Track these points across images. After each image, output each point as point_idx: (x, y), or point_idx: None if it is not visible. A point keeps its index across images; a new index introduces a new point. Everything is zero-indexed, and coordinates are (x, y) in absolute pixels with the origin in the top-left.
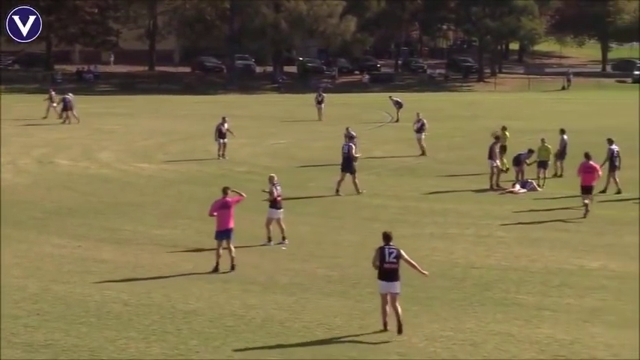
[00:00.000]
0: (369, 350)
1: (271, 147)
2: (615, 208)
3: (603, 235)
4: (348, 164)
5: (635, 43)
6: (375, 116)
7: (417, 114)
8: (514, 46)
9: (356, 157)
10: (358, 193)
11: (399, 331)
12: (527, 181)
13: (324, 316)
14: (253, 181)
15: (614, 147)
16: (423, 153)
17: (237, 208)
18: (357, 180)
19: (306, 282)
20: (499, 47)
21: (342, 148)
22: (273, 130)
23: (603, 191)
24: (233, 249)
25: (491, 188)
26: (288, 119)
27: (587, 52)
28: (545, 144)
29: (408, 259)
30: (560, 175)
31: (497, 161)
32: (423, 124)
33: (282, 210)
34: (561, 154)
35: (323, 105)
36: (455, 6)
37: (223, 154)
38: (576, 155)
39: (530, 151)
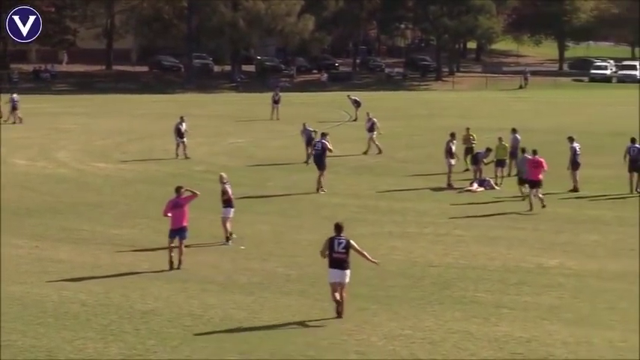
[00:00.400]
0: (327, 349)
1: (229, 146)
2: (572, 206)
3: (561, 233)
4: (319, 161)
5: (592, 42)
6: (333, 115)
7: (367, 113)
8: (472, 44)
9: (330, 150)
10: (318, 191)
11: (339, 314)
12: (485, 180)
13: (283, 315)
14: (211, 181)
15: (576, 145)
16: (379, 151)
17: (196, 208)
18: (322, 178)
19: (264, 281)
20: (457, 46)
21: (315, 145)
22: (231, 129)
23: (572, 190)
24: (184, 249)
25: (449, 187)
26: (246, 118)
27: (544, 51)
28: (503, 142)
29: (358, 248)
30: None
31: (453, 160)
32: (373, 124)
33: (233, 209)
34: (514, 153)
35: (279, 105)
36: (413, 5)
37: (184, 154)
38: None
39: (489, 150)
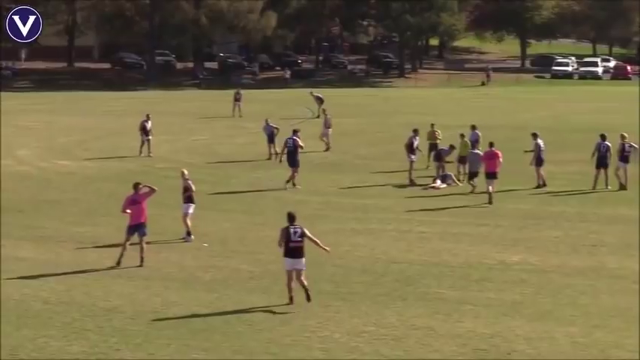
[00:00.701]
0: (291, 346)
1: (192, 143)
2: (534, 202)
3: (523, 229)
4: (292, 158)
5: (553, 39)
6: (296, 112)
7: (324, 110)
8: (434, 41)
9: (302, 147)
10: (287, 185)
11: (308, 299)
12: (447, 175)
13: (246, 313)
14: (174, 178)
15: (540, 141)
16: (327, 149)
17: (159, 205)
18: (296, 173)
19: (228, 278)
20: (419, 43)
21: (287, 142)
22: (193, 126)
23: (538, 187)
24: (145, 245)
25: (412, 183)
26: (209, 115)
27: (506, 47)
28: (465, 139)
29: (311, 236)
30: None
31: (414, 156)
32: (327, 120)
33: (194, 205)
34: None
35: (241, 102)
36: (375, 2)
37: (148, 152)
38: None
39: (452, 147)
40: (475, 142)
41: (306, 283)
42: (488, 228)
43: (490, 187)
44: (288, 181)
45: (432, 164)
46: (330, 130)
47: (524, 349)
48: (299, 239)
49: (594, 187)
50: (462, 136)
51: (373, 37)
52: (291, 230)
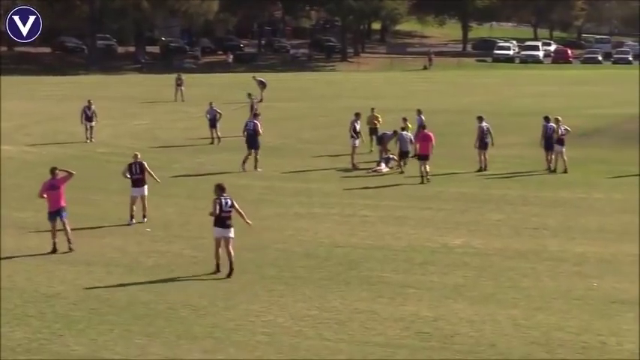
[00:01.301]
0: (234, 330)
1: (134, 128)
2: (477, 185)
3: (465, 212)
4: (253, 141)
5: (495, 23)
6: (239, 96)
7: (249, 94)
8: (376, 25)
9: (259, 133)
10: (256, 168)
11: (230, 274)
12: (390, 157)
13: (190, 297)
14: (115, 162)
15: (484, 124)
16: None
17: (101, 190)
18: (258, 156)
19: (171, 263)
20: (362, 27)
21: (247, 124)
22: (135, 110)
23: (480, 170)
24: (69, 229)
25: (354, 167)
26: (151, 100)
27: (447, 31)
28: (407, 123)
29: (239, 208)
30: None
31: (357, 140)
32: (253, 105)
33: (145, 187)
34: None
35: (183, 87)
36: None
37: (90, 137)
38: (443, 134)
39: (395, 133)
40: (420, 127)
41: (233, 253)
42: (431, 211)
43: (422, 168)
44: (244, 163)
45: (375, 148)
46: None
47: (467, 331)
48: (229, 209)
49: (550, 168)
50: (405, 119)
51: (315, 21)
52: (223, 201)
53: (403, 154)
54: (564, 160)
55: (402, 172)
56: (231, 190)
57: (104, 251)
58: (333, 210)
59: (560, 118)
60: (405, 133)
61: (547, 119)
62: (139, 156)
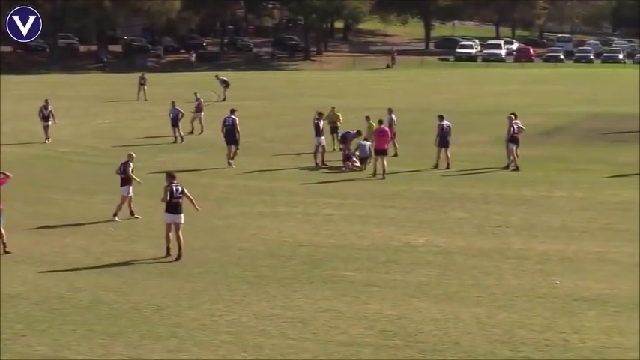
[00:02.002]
0: (198, 329)
1: (96, 127)
2: (440, 184)
3: (428, 211)
4: (232, 136)
5: (457, 22)
6: (202, 95)
7: (195, 93)
8: (339, 24)
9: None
10: (232, 165)
11: (179, 257)
12: (352, 155)
13: (153, 297)
14: (78, 162)
15: (445, 123)
16: (201, 132)
17: (64, 190)
18: (237, 152)
19: (134, 262)
20: (324, 26)
21: (225, 121)
22: (98, 109)
23: (436, 166)
24: (4, 232)
25: (317, 166)
26: (114, 99)
27: (410, 30)
28: (371, 122)
29: (189, 195)
30: (395, 155)
31: (322, 138)
32: (200, 103)
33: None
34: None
35: (146, 86)
36: None
37: (47, 137)
38: (406, 133)
39: (359, 133)
40: (390, 126)
41: (182, 238)
42: (394, 210)
43: (378, 163)
44: (228, 160)
45: (337, 147)
46: (202, 113)
47: (431, 329)
48: (179, 196)
49: (508, 166)
50: (368, 118)
51: (278, 20)
52: (174, 188)
53: (363, 160)
54: (515, 159)
55: (363, 170)
56: (194, 189)
57: (66, 251)
58: (296, 209)
59: (512, 116)
60: (364, 142)
61: (514, 116)
62: (133, 156)
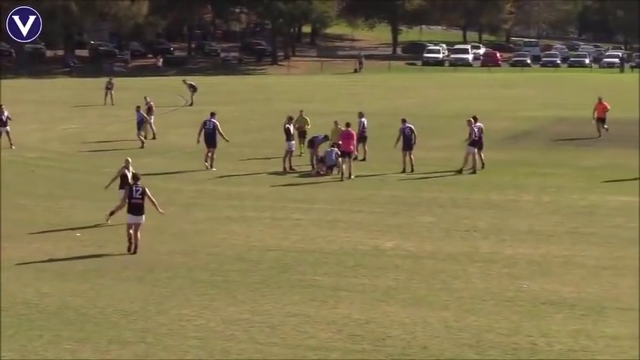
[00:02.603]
0: (166, 335)
1: (63, 132)
2: (407, 188)
3: (396, 215)
4: (211, 139)
5: (424, 26)
6: (169, 100)
7: (145, 97)
8: (307, 29)
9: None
10: (210, 168)
11: (134, 252)
12: (322, 159)
13: (120, 302)
14: (45, 167)
15: (407, 125)
16: (154, 136)
17: (30, 195)
18: (215, 156)
19: (101, 268)
20: (292, 30)
21: (206, 124)
22: (64, 114)
23: (403, 171)
24: None
25: (285, 170)
26: (80, 104)
27: (377, 35)
28: (339, 126)
29: (151, 196)
30: (363, 159)
31: (293, 142)
32: (150, 107)
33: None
34: (361, 138)
35: (113, 90)
36: None
37: (10, 144)
38: (374, 137)
39: (326, 138)
40: (362, 131)
41: (139, 237)
42: (362, 214)
43: (345, 166)
44: (206, 161)
45: (306, 151)
46: (152, 117)
47: (399, 334)
48: (139, 197)
49: (474, 168)
50: (336, 123)
51: (246, 25)
52: (134, 189)
53: (330, 168)
54: (474, 162)
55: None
56: (161, 194)
57: (33, 256)
58: (265, 213)
59: (472, 120)
60: (330, 149)
61: (475, 119)
62: (129, 161)
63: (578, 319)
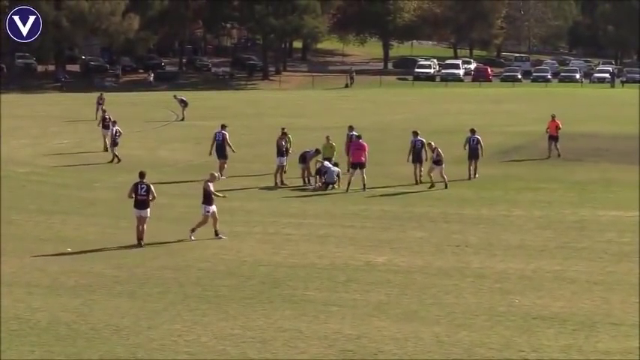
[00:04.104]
0: (157, 350)
1: (55, 147)
2: (399, 203)
3: (388, 230)
4: (222, 150)
5: (415, 41)
6: (160, 115)
7: (104, 111)
8: (298, 44)
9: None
10: (221, 176)
11: (140, 245)
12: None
13: (112, 317)
14: (36, 182)
15: (418, 139)
16: (105, 149)
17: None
18: (226, 165)
19: (93, 283)
20: (283, 45)
21: (216, 135)
22: (56, 129)
23: (416, 183)
24: None
25: (277, 185)
26: (72, 119)
27: (368, 50)
28: (330, 142)
29: (154, 193)
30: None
31: (284, 158)
32: (105, 119)
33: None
34: (349, 151)
35: (104, 106)
36: (238, 4)
37: None
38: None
39: (317, 152)
40: (350, 138)
41: (145, 229)
42: (353, 229)
43: (356, 177)
44: (220, 174)
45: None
46: (109, 131)
47: (391, 349)
48: (144, 194)
49: (470, 177)
50: (327, 138)
51: (237, 40)
52: (139, 186)
53: (327, 185)
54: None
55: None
56: (153, 210)
57: (24, 271)
58: (256, 228)
59: (432, 144)
60: (335, 168)
61: (473, 131)
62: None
63: (569, 334)
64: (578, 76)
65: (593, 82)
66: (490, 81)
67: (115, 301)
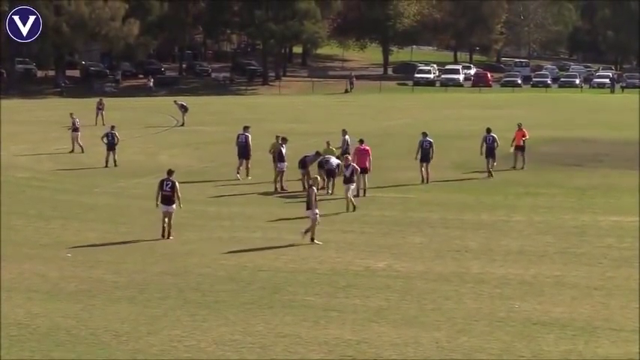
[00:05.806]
0: (157, 356)
1: (55, 152)
2: (398, 209)
3: (388, 235)
4: (245, 151)
5: (415, 47)
6: (160, 120)
7: (71, 114)
8: (298, 49)
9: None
10: (247, 176)
11: (168, 237)
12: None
13: (111, 323)
14: (36, 187)
15: (427, 139)
16: (82, 151)
17: (22, 215)
18: (249, 166)
19: (92, 288)
20: (283, 51)
21: (238, 137)
22: (56, 135)
23: (422, 181)
24: None
25: (277, 191)
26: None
27: (368, 55)
28: (330, 147)
29: (178, 191)
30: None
31: (284, 164)
32: (74, 124)
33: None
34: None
35: (104, 111)
36: (238, 9)
37: None
38: None
39: (318, 154)
40: (346, 148)
41: (172, 224)
42: (353, 235)
43: (355, 185)
44: (238, 172)
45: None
46: (78, 133)
47: (391, 354)
48: (169, 190)
49: (489, 175)
50: (328, 143)
51: (237, 45)
52: (164, 182)
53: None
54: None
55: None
56: (152, 214)
57: (24, 277)
58: (255, 234)
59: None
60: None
61: (488, 130)
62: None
63: (569, 339)
64: (578, 81)
65: (593, 87)
66: (490, 86)
67: (114, 307)
